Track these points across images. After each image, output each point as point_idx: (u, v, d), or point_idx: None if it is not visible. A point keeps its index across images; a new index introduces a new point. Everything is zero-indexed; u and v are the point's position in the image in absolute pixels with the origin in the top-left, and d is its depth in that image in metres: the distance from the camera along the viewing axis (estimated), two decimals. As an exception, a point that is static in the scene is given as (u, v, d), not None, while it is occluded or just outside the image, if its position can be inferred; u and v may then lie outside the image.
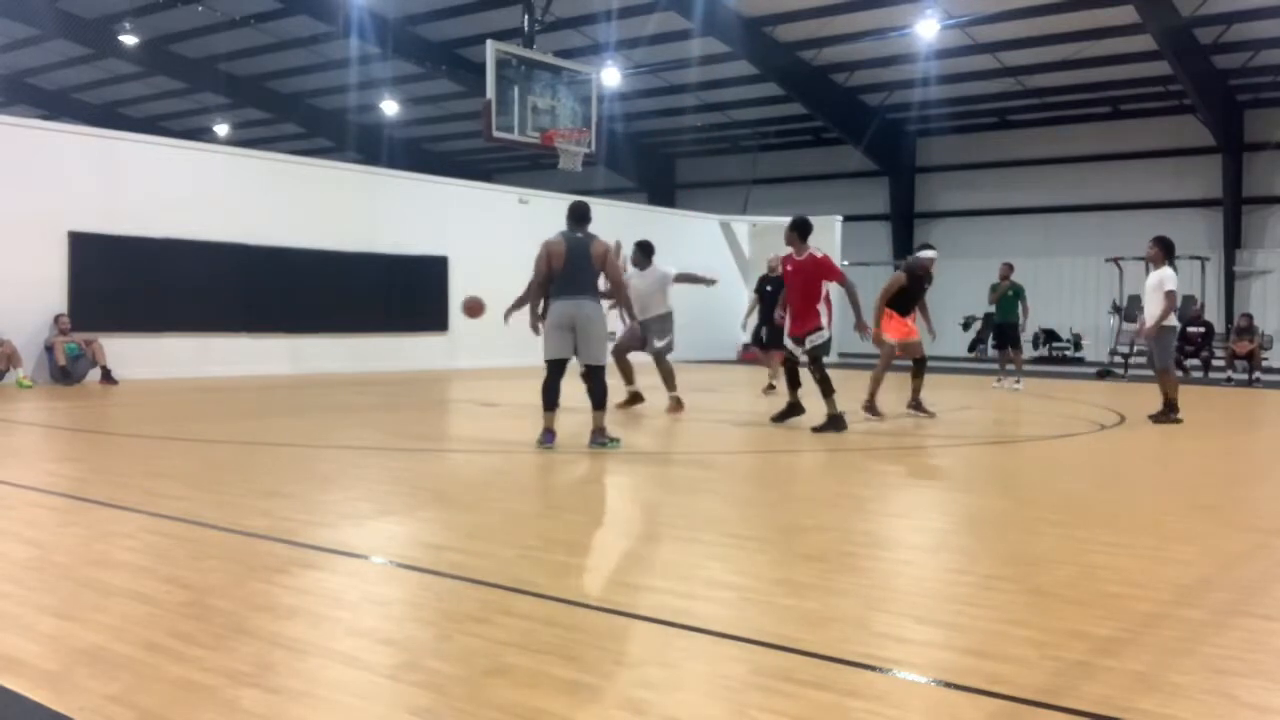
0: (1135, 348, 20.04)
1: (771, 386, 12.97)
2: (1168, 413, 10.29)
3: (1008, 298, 15.34)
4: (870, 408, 9.99)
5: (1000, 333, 15.64)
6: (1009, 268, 15.75)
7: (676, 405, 10.37)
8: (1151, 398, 11.56)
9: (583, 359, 7.74)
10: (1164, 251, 10.33)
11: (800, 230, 9.19)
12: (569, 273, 7.61)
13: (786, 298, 9.40)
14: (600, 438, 7.66)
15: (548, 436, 7.64)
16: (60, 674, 2.84)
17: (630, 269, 10.80)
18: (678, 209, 26.66)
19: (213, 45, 25.89)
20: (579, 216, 7.86)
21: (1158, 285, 10.19)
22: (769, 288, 13.15)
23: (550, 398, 7.73)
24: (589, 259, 7.65)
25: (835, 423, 8.89)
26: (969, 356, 25.12)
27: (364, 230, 17.15)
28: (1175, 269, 10.36)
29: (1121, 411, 11.40)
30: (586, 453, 7.55)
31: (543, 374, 7.74)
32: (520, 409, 11.28)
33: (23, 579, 3.85)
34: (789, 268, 9.32)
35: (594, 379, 7.74)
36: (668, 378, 10.58)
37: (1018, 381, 15.05)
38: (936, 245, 11.79)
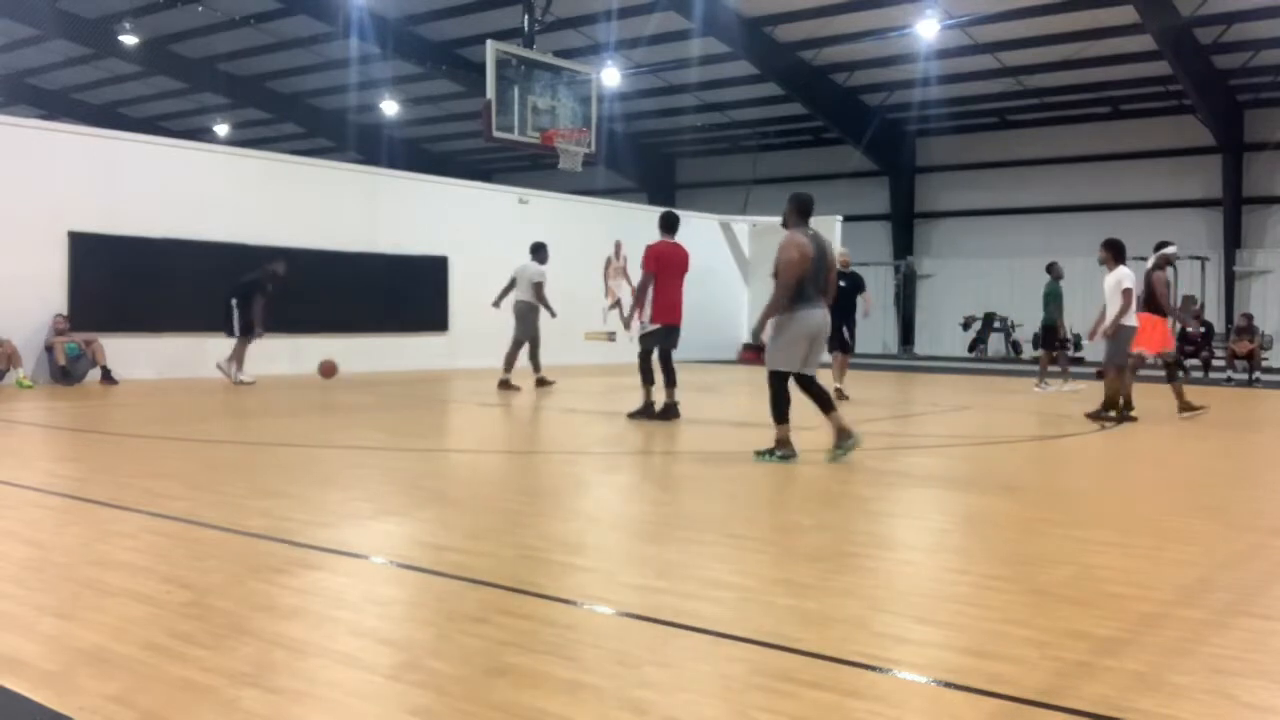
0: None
1: (838, 392, 12.14)
2: (1105, 411, 10.42)
3: (1056, 297, 14.72)
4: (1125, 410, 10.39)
5: (1049, 333, 15.03)
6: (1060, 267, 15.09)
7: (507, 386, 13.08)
8: (1151, 399, 11.58)
9: (809, 369, 7.20)
10: (1114, 254, 10.48)
11: (663, 223, 10.00)
12: (816, 277, 7.02)
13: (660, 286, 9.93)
14: (846, 440, 7.13)
15: (790, 450, 7.18)
16: (60, 674, 2.84)
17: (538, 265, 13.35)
18: (678, 209, 26.65)
19: (213, 45, 25.89)
20: (809, 211, 7.20)
21: (1116, 285, 10.29)
22: (843, 283, 12.16)
23: (787, 408, 7.20)
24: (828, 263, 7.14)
25: (647, 410, 9.71)
26: (969, 356, 25.15)
27: (364, 230, 17.14)
28: (1130, 268, 10.48)
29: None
30: (586, 453, 7.55)
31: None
32: (520, 409, 11.29)
33: (23, 579, 3.85)
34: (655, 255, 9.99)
35: (817, 385, 7.25)
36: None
37: (1065, 382, 14.64)
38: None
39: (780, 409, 7.18)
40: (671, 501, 5.93)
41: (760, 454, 7.19)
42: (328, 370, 13.58)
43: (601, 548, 4.73)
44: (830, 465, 7.19)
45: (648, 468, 7.42)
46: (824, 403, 7.21)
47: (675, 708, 2.65)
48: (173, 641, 3.11)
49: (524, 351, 13.49)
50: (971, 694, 2.79)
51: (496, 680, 2.82)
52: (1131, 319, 10.31)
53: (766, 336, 7.36)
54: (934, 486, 6.60)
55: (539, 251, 13.59)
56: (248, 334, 13.70)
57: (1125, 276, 10.24)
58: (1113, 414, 10.32)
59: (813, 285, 7.01)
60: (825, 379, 7.91)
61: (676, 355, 10.49)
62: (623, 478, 6.83)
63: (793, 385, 7.21)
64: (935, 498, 6.21)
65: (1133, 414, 10.40)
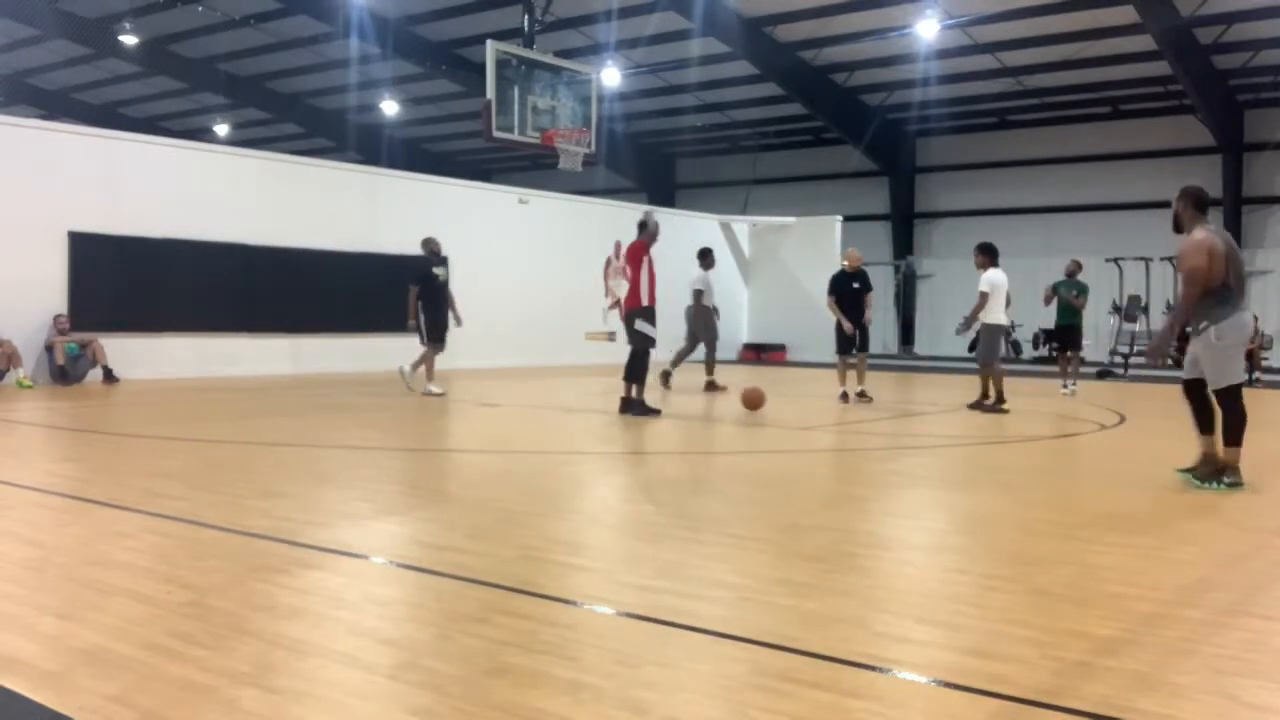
0: (1135, 347, 20.05)
1: (861, 394, 12.08)
2: (981, 402, 11.19)
3: (1076, 296, 14.06)
4: None
5: (1065, 334, 14.38)
6: (1078, 265, 14.54)
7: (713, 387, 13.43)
8: (1151, 397, 11.57)
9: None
10: (986, 256, 11.22)
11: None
12: (1237, 275, 6.41)
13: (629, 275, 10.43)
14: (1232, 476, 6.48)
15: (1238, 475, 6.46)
16: (60, 674, 2.84)
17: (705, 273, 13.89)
18: (678, 209, 26.66)
19: (213, 45, 25.87)
20: (1207, 204, 6.51)
21: (982, 285, 11.07)
22: (855, 285, 12.06)
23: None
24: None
25: (633, 406, 10.05)
26: (969, 356, 25.14)
27: (364, 230, 17.15)
28: (1001, 269, 11.18)
29: (1121, 411, 11.40)
30: (585, 452, 7.54)
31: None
32: (520, 409, 11.28)
33: (23, 579, 3.85)
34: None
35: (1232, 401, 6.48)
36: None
37: (1072, 385, 14.03)
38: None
39: (1240, 429, 6.50)
40: (671, 501, 5.93)
41: (1204, 481, 6.52)
42: (753, 400, 10.68)
43: (601, 548, 4.73)
44: (828, 465, 7.20)
45: (647, 467, 7.42)
46: (1206, 420, 6.71)
47: (675, 708, 2.65)
48: (173, 641, 3.11)
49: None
50: (971, 694, 2.79)
51: (496, 680, 2.82)
52: (994, 318, 11.04)
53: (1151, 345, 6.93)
54: (934, 486, 6.60)
55: (704, 258, 14.13)
56: (424, 338, 12.63)
57: (983, 280, 10.99)
58: (987, 403, 11.13)
59: (1239, 288, 6.42)
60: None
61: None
62: (622, 478, 6.83)
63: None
64: (935, 498, 6.22)
65: (1004, 406, 10.99)
